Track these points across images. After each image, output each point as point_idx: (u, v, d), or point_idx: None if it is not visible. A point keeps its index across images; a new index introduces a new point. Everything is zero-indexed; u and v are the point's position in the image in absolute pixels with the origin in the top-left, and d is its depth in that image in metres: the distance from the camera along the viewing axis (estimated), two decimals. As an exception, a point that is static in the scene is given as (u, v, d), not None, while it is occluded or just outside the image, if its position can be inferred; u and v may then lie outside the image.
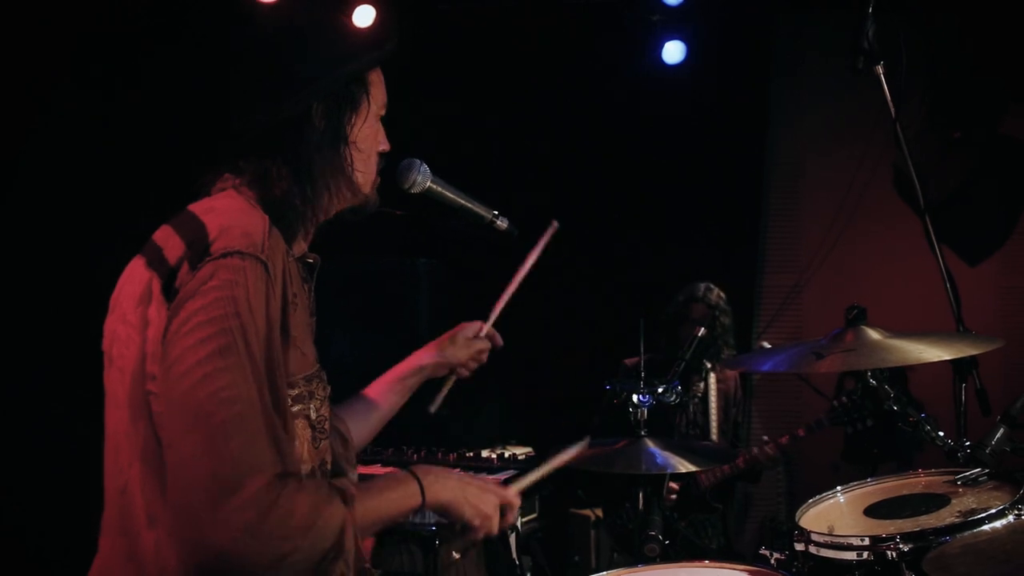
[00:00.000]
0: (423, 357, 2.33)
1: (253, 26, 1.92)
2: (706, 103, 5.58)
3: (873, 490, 2.54)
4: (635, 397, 2.79)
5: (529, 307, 2.59)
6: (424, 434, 3.59)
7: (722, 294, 4.56)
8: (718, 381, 4.44)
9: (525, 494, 2.03)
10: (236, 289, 1.57)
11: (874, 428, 4.05)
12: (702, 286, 4.54)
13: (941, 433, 2.65)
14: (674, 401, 3.02)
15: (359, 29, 1.95)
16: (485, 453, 3.54)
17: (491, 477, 3.02)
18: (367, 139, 1.88)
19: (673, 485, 4.09)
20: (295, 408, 1.71)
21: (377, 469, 3.20)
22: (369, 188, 1.93)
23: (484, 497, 1.84)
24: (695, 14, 5.47)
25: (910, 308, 4.37)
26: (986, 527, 1.80)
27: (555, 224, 2.44)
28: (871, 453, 4.67)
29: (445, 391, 2.37)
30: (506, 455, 3.46)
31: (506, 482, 2.90)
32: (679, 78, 5.59)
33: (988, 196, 5.61)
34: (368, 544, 2.89)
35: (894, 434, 3.24)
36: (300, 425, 1.74)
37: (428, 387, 2.43)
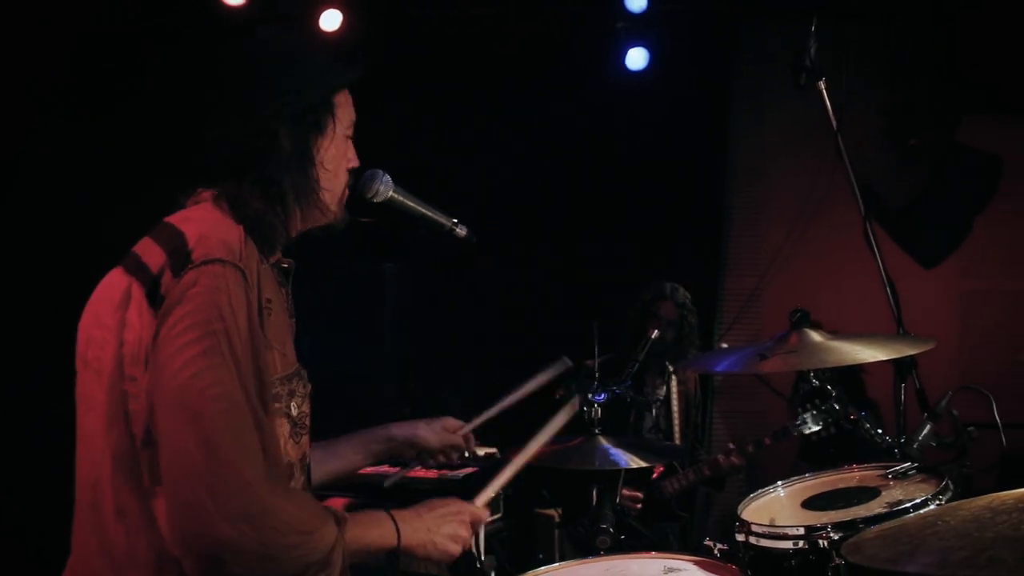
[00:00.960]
0: (395, 430, 2.39)
1: (227, 49, 1.99)
2: (669, 108, 5.70)
3: (811, 484, 2.67)
4: (589, 395, 2.91)
5: (489, 307, 2.67)
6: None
7: (687, 293, 4.52)
8: (679, 383, 4.48)
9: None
10: (218, 294, 1.66)
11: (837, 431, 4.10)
12: (668, 285, 4.48)
13: (880, 431, 2.80)
14: (628, 400, 3.12)
15: (325, 54, 2.02)
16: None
17: (452, 473, 3.11)
18: (334, 159, 1.97)
19: (637, 494, 4.11)
20: (274, 407, 1.81)
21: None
22: (336, 205, 2.02)
23: (456, 536, 1.95)
24: (659, 21, 5.57)
25: (865, 311, 4.48)
26: (909, 516, 1.94)
27: (566, 361, 2.54)
28: (828, 453, 4.77)
29: (403, 473, 2.49)
30: (466, 453, 3.53)
31: (467, 479, 3.00)
32: (643, 84, 5.69)
33: (946, 202, 5.77)
34: None
35: (852, 435, 3.35)
36: (279, 423, 1.83)
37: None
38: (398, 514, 1.90)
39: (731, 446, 4.07)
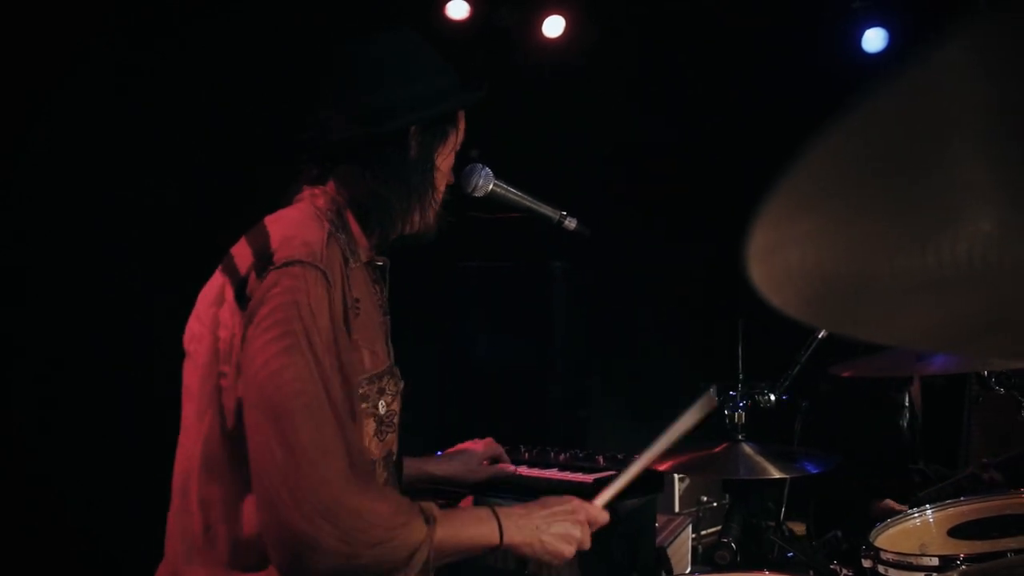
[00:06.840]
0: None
1: (362, 46, 2.03)
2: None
3: (967, 510, 2.29)
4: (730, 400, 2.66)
5: (665, 305, 2.50)
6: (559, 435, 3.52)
7: None
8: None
9: None
10: (298, 295, 1.70)
11: None
12: None
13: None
14: (769, 406, 2.83)
15: (452, 72, 2.02)
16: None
17: (589, 477, 2.98)
18: (444, 170, 2.01)
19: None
20: (360, 406, 1.82)
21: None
22: (434, 216, 2.03)
23: (567, 535, 1.90)
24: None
25: None
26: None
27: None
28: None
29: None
30: (619, 456, 3.33)
31: (599, 483, 2.86)
32: (881, 67, 5.22)
33: None
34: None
35: None
36: (365, 422, 1.85)
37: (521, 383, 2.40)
38: (503, 511, 1.87)
39: (985, 461, 3.62)
